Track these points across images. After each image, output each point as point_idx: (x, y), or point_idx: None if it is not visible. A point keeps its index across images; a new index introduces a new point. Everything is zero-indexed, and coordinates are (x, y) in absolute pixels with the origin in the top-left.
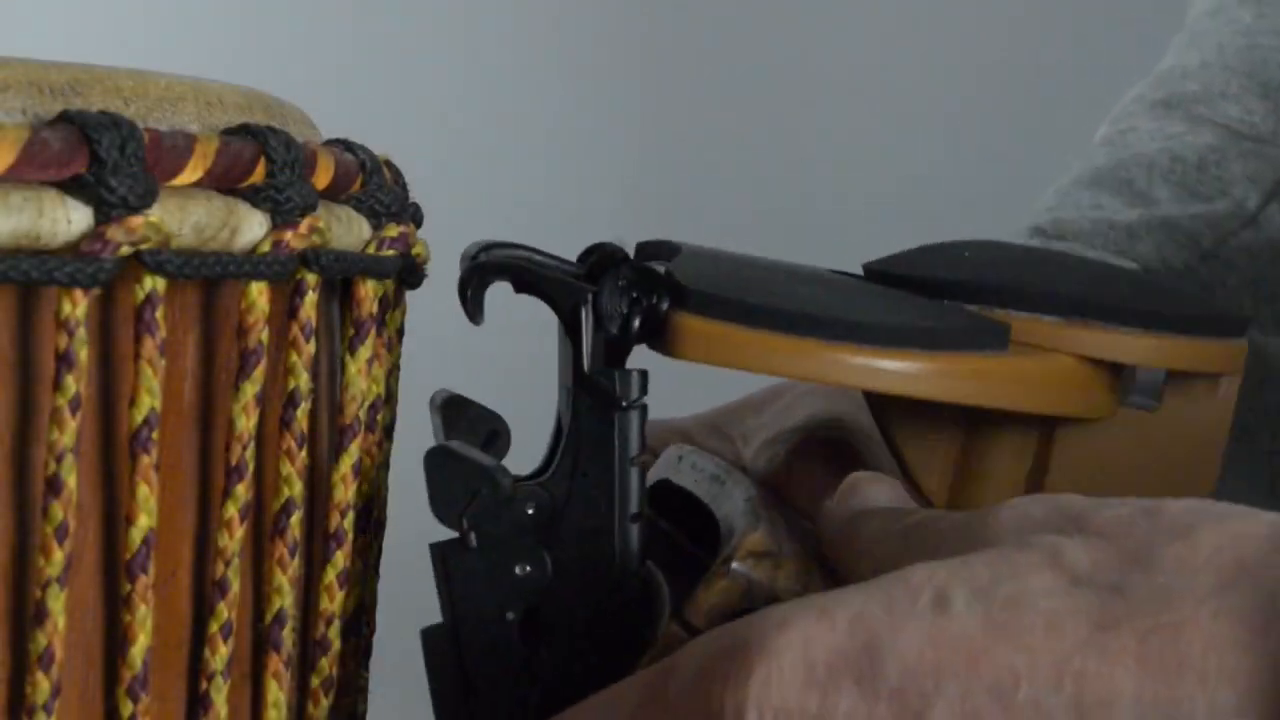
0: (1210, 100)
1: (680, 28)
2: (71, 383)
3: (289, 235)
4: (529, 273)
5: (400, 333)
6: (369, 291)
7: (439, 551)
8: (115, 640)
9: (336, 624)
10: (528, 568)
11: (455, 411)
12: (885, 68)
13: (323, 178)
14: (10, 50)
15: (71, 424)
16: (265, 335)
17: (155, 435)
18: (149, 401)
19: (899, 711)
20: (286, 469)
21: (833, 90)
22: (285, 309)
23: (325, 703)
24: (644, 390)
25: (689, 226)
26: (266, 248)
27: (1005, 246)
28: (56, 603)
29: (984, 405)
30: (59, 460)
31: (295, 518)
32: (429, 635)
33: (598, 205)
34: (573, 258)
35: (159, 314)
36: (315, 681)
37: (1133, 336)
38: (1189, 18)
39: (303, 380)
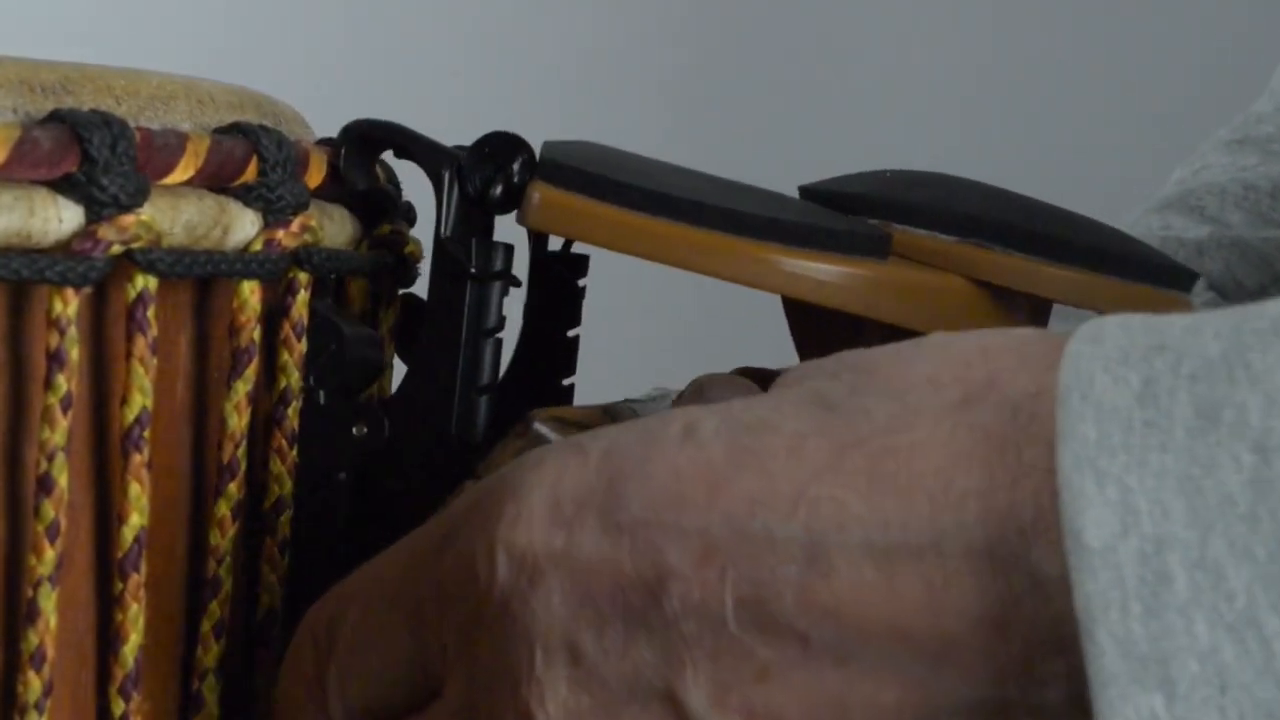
0: None
1: (689, 35)
2: (63, 381)
3: (281, 234)
4: (401, 135)
5: (393, 332)
6: (360, 290)
7: None
8: (107, 639)
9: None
10: (364, 429)
11: None
12: (900, 61)
13: (315, 176)
14: (1, 49)
15: (63, 423)
16: (257, 334)
17: (147, 434)
18: (141, 400)
19: (640, 547)
20: (277, 467)
21: (848, 88)
22: (277, 307)
23: None
24: (507, 264)
25: None
26: (258, 246)
27: (931, 174)
28: (48, 601)
29: (848, 311)
30: (50, 459)
31: (285, 516)
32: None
33: None
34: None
35: (150, 313)
36: None
37: (1035, 264)
38: (1274, 79)
39: (294, 378)
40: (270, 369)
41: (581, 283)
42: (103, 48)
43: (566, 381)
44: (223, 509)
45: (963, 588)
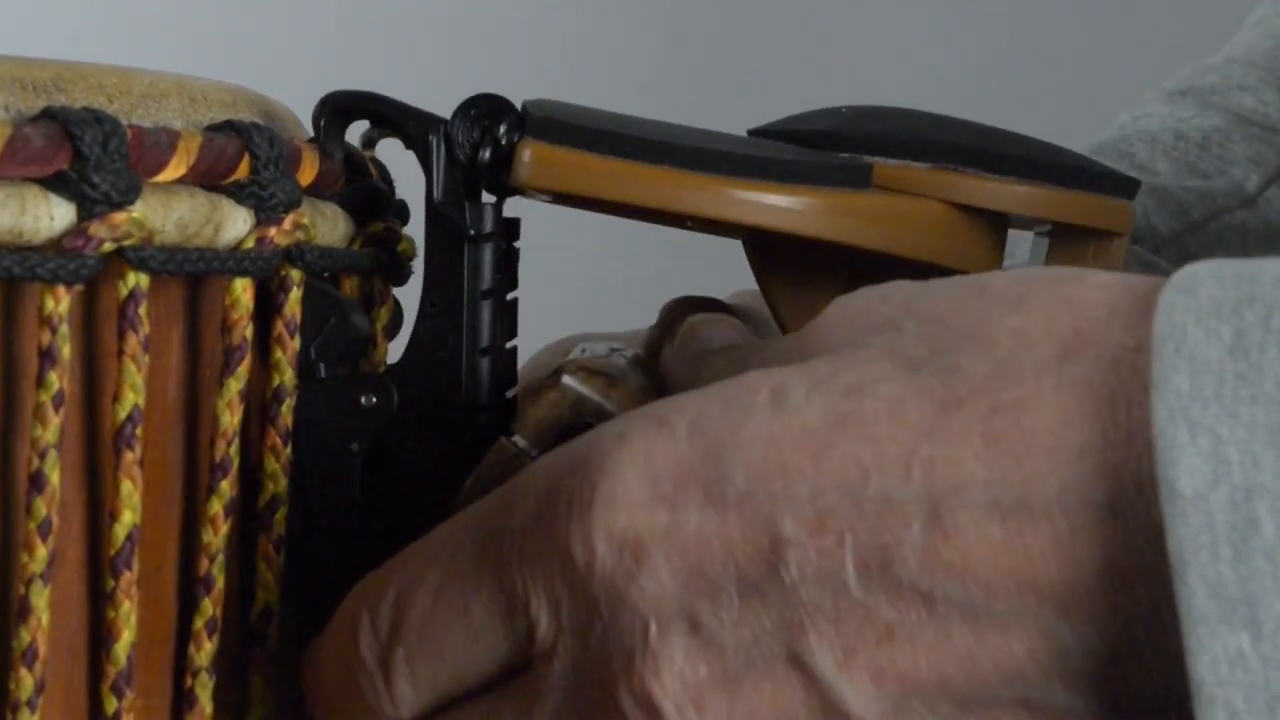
0: (1226, 91)
1: (682, 35)
2: (54, 379)
3: (273, 231)
4: (382, 104)
5: (387, 330)
6: (353, 288)
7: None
8: (100, 636)
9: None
10: (373, 399)
11: None
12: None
13: (307, 174)
14: None
15: (55, 420)
16: (249, 331)
17: (139, 431)
18: (132, 398)
19: (750, 519)
20: (272, 465)
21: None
22: (270, 305)
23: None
24: (498, 225)
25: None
26: (250, 244)
27: (888, 108)
28: (40, 599)
29: (835, 239)
30: (42, 457)
31: (280, 513)
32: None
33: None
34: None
35: (142, 310)
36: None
37: (1006, 184)
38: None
39: (287, 376)
40: (264, 366)
41: (516, 245)
42: (100, 48)
43: (510, 345)
44: (215, 506)
45: (1088, 540)
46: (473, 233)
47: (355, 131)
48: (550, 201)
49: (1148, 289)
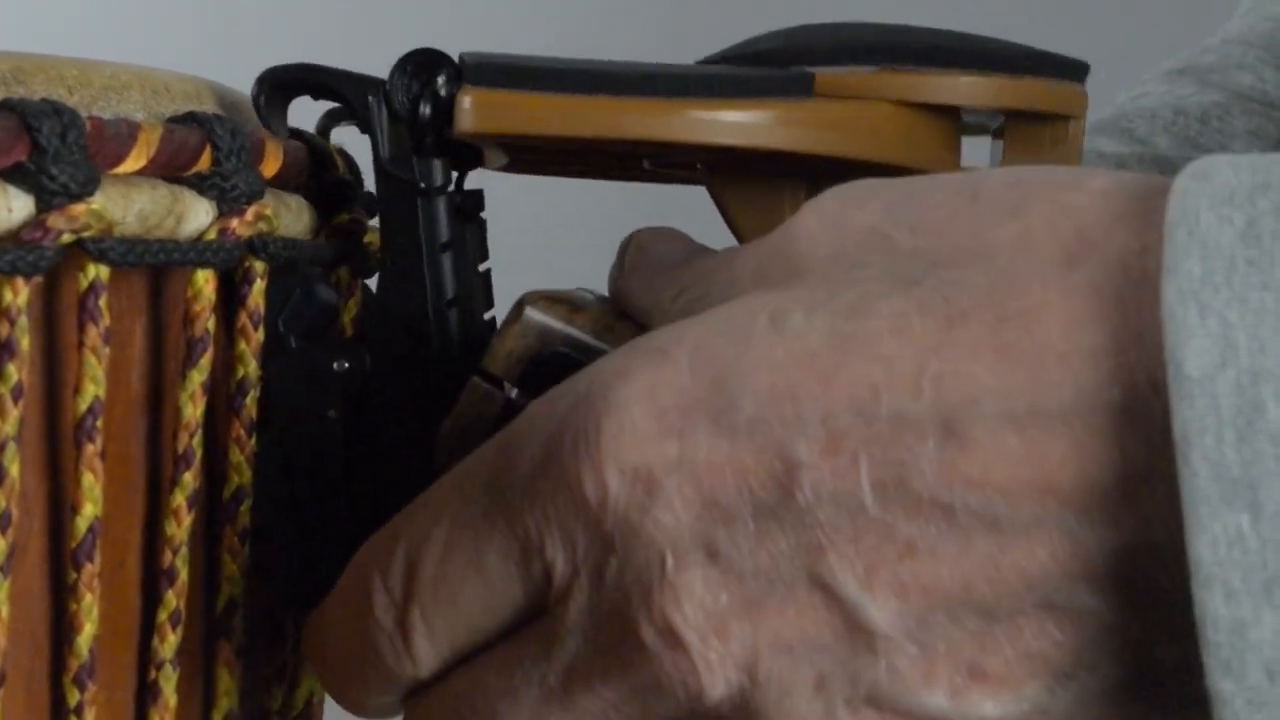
0: (1224, 69)
1: (681, 35)
2: (13, 371)
3: (235, 223)
4: (316, 73)
5: (355, 322)
6: None
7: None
8: (62, 629)
9: (289, 610)
10: (346, 364)
11: None
12: None
13: (271, 166)
14: None
15: (14, 412)
16: (212, 323)
17: (100, 424)
18: (93, 390)
19: (762, 444)
20: (236, 457)
21: None
22: (233, 296)
23: (279, 691)
24: (448, 178)
25: None
26: (212, 235)
27: (830, 23)
28: (0, 591)
29: (785, 149)
30: (1, 449)
31: (245, 505)
32: (260, 457)
33: (581, 210)
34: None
35: (103, 302)
36: (269, 670)
37: (952, 75)
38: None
39: (251, 368)
40: (228, 358)
41: (482, 215)
42: (68, 40)
43: (488, 315)
44: (178, 499)
45: (1105, 442)
46: (423, 185)
47: (311, 120)
48: (504, 166)
49: (1146, 192)
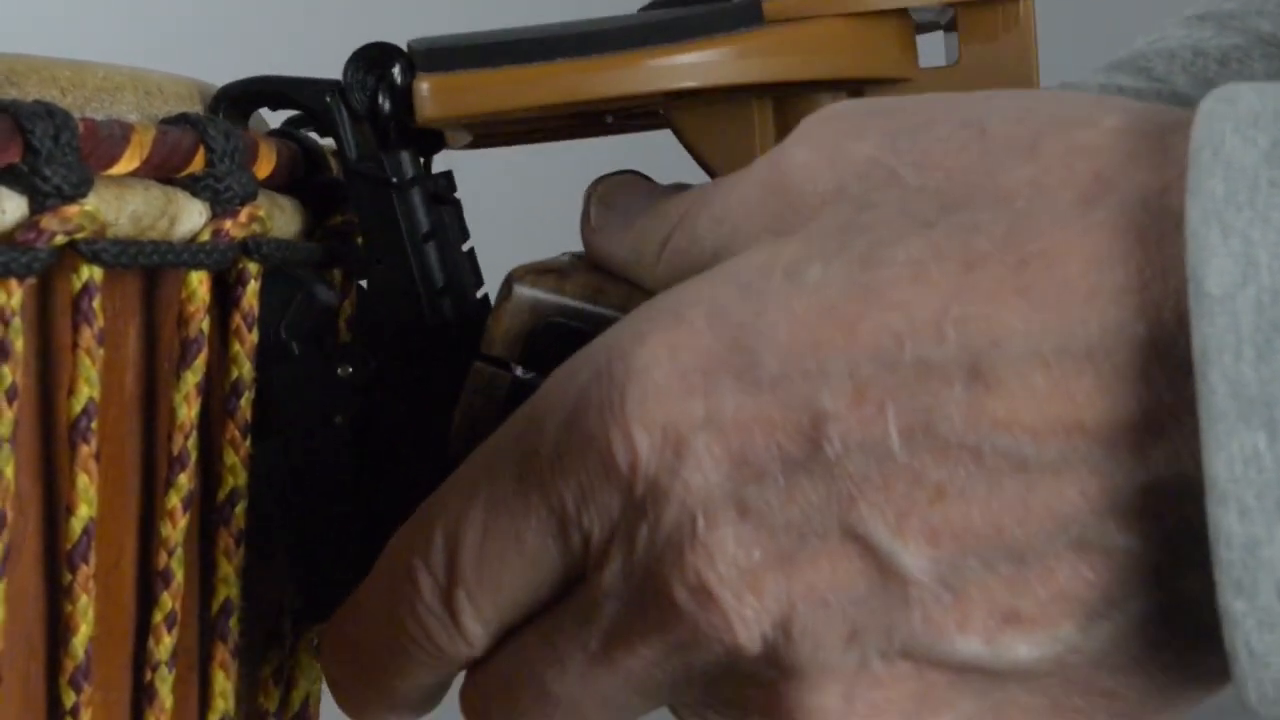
0: (1245, 15)
1: None
2: (7, 373)
3: (229, 224)
4: (270, 83)
5: (350, 323)
6: None
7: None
8: (57, 630)
9: (286, 613)
10: (350, 369)
11: None
12: None
13: (264, 167)
14: None
15: (8, 414)
16: (206, 324)
17: (94, 425)
18: (87, 391)
19: (788, 399)
20: (231, 458)
21: None
22: (228, 298)
23: (275, 692)
24: (417, 167)
25: None
26: (206, 237)
27: None
28: None
29: (748, 82)
30: None
31: (240, 507)
32: (261, 456)
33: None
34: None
35: (96, 303)
36: (265, 671)
37: None
38: None
39: (245, 369)
40: (222, 360)
41: (456, 195)
42: (63, 41)
43: (480, 294)
44: (173, 500)
45: (1133, 377)
46: (395, 180)
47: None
48: (467, 145)
49: (1161, 129)
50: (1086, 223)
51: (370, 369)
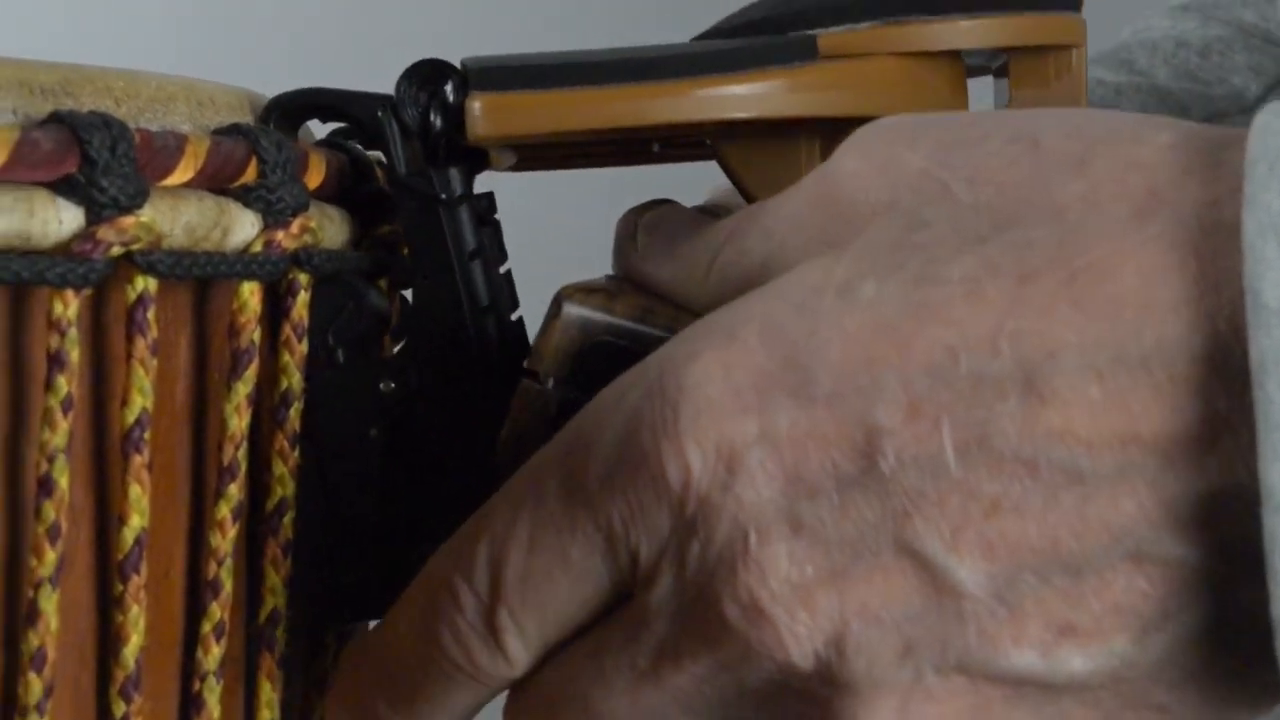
0: (1229, 6)
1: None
2: (63, 383)
3: (280, 235)
4: (323, 95)
5: (395, 333)
6: None
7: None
8: (108, 640)
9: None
10: (392, 384)
11: None
12: None
13: (314, 178)
14: (1, 50)
15: (63, 424)
16: (257, 335)
17: (147, 435)
18: (141, 402)
19: (842, 415)
20: (279, 469)
21: None
22: (278, 309)
23: (319, 702)
24: (466, 185)
25: None
26: (258, 248)
27: None
28: (49, 603)
29: (798, 115)
30: (51, 461)
31: (288, 517)
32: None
33: (593, 219)
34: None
35: (151, 314)
36: (310, 682)
37: (950, 22)
38: None
39: (295, 380)
40: (272, 370)
41: (496, 217)
42: (107, 50)
43: (515, 316)
44: (223, 510)
45: (1188, 388)
46: (444, 196)
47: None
48: (513, 166)
49: (1213, 145)
50: (1141, 236)
51: (411, 386)
